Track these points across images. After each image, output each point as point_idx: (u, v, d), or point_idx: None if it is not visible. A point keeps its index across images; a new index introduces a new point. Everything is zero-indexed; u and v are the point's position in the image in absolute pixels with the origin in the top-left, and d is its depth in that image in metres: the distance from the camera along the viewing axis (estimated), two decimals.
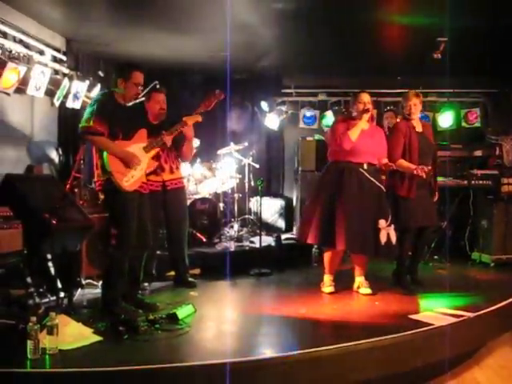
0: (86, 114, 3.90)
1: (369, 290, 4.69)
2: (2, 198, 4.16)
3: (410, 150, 4.78)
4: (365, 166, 4.63)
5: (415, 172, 4.54)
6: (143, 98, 4.77)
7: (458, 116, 8.17)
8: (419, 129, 4.92)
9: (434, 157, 5.04)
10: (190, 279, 5.13)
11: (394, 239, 4.53)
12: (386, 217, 4.54)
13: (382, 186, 4.67)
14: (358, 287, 4.77)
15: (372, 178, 4.62)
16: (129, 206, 3.95)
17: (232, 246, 6.33)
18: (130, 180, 3.94)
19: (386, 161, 4.63)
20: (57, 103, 6.21)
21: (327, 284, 4.80)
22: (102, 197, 4.57)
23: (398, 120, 5.44)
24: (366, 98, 4.69)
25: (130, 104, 4.10)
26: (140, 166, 4.01)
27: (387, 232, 4.49)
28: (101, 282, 4.24)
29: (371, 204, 4.57)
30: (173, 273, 5.19)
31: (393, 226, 4.55)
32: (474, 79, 7.88)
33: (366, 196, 4.57)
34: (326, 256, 4.83)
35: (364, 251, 4.64)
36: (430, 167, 4.61)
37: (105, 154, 3.87)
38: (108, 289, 4.01)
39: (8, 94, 5.23)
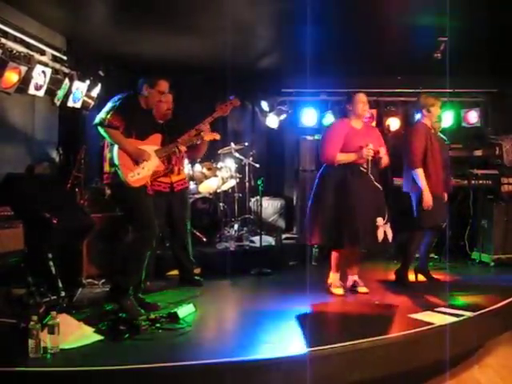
0: (106, 108, 3.96)
1: (365, 289, 4.70)
2: (3, 197, 4.18)
3: (432, 150, 4.79)
4: (364, 165, 4.61)
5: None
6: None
7: (458, 116, 8.16)
8: (434, 132, 4.95)
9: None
10: (196, 278, 5.12)
11: (390, 237, 4.55)
12: (383, 215, 4.55)
13: (379, 185, 4.65)
14: (354, 286, 4.77)
15: (371, 177, 4.61)
16: (140, 196, 4.00)
17: (232, 245, 6.33)
18: (136, 176, 3.97)
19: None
20: (57, 103, 6.20)
21: (336, 284, 4.74)
22: (108, 191, 4.56)
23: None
24: (365, 98, 4.69)
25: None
26: (148, 163, 4.04)
27: (384, 230, 4.51)
28: (113, 272, 4.22)
29: (371, 202, 4.57)
30: (174, 272, 5.20)
31: (389, 223, 4.56)
32: (474, 79, 7.86)
33: (367, 194, 4.57)
34: (334, 256, 4.77)
35: (368, 247, 4.75)
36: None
37: (115, 147, 3.92)
38: (123, 276, 3.99)
39: (9, 93, 5.23)
